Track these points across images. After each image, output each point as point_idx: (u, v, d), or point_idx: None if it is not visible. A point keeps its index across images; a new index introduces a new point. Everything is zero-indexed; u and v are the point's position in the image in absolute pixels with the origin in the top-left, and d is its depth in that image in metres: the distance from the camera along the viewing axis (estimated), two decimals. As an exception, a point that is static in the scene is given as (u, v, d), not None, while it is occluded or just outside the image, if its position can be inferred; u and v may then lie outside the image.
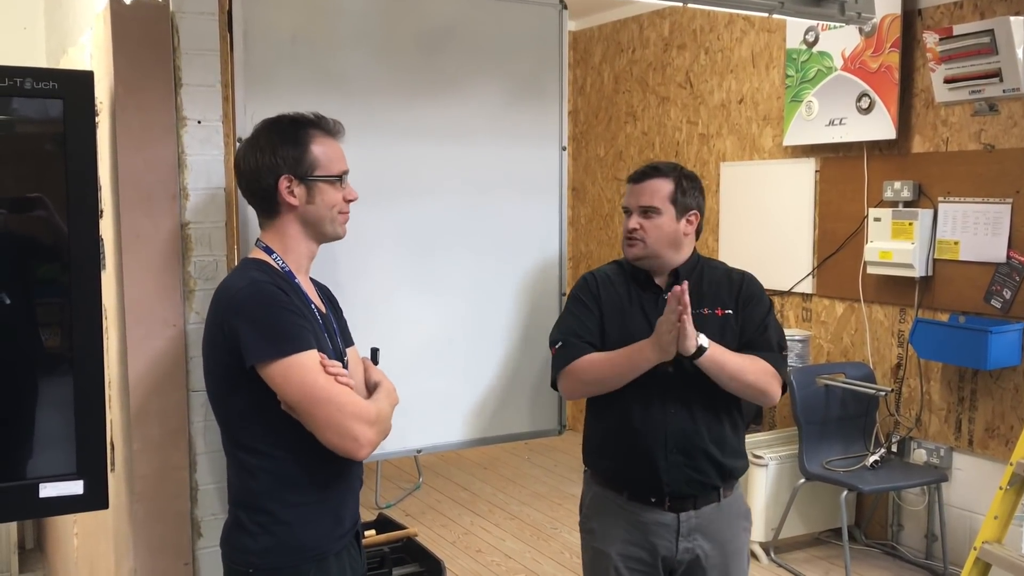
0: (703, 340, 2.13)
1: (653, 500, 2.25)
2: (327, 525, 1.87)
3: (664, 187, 2.25)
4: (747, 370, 2.19)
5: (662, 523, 2.24)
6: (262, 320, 1.75)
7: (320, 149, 1.86)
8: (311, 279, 1.97)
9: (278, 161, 1.83)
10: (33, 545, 4.40)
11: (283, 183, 1.83)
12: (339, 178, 1.89)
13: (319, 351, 1.78)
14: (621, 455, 2.29)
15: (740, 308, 2.28)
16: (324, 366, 1.76)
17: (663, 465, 2.22)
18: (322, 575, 1.86)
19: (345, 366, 1.88)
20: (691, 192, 2.27)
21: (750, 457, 4.16)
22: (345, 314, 2.05)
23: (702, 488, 2.25)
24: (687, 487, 2.23)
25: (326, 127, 1.89)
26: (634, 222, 2.26)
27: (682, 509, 2.24)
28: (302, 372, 1.73)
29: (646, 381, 2.21)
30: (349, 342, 2.01)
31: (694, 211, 2.28)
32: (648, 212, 2.25)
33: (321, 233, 1.90)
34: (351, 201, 1.92)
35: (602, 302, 2.30)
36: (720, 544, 2.27)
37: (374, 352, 1.99)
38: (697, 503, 2.25)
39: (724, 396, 2.23)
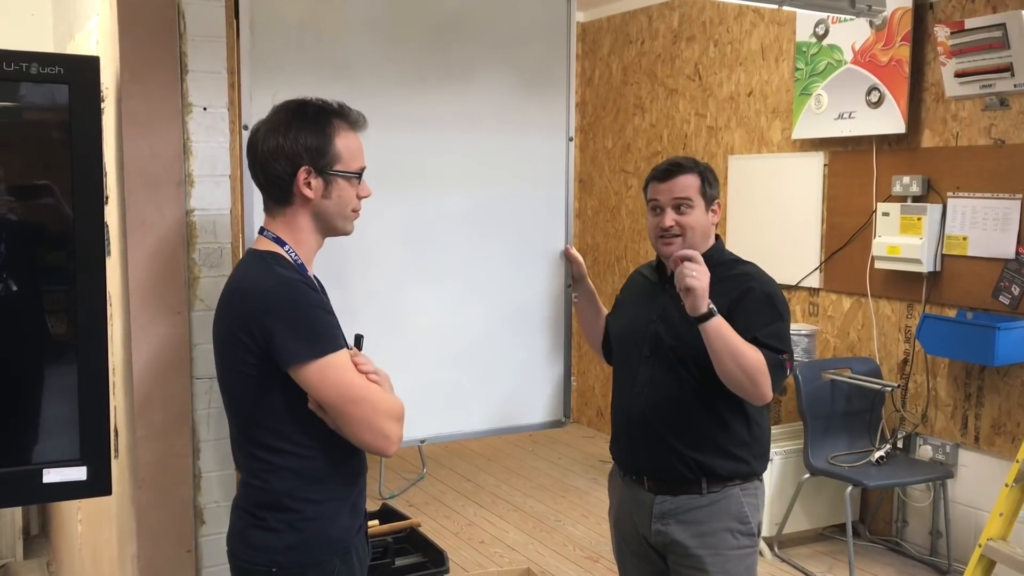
0: (713, 307, 2.13)
1: (633, 478, 2.35)
2: (348, 518, 1.85)
3: (693, 181, 2.28)
4: (747, 355, 2.12)
5: (641, 501, 2.33)
6: (298, 321, 1.70)
7: (343, 143, 1.79)
8: None
9: (299, 150, 1.75)
10: (38, 531, 4.42)
11: (301, 174, 1.76)
12: (357, 175, 1.83)
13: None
14: (614, 430, 2.44)
15: (732, 309, 2.20)
16: (356, 364, 1.74)
17: (633, 445, 2.33)
18: (346, 568, 1.84)
19: None
20: (714, 183, 2.32)
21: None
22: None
23: (675, 475, 2.25)
24: (657, 471, 2.28)
25: (350, 119, 1.82)
26: (669, 219, 2.27)
27: (659, 492, 2.29)
28: (338, 372, 1.70)
29: (624, 365, 2.37)
30: None
31: (717, 201, 2.33)
32: (681, 206, 2.27)
33: (331, 228, 1.84)
34: (364, 198, 1.87)
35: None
36: (697, 538, 2.25)
37: (358, 339, 1.94)
38: (675, 490, 2.27)
39: (703, 391, 2.21)
